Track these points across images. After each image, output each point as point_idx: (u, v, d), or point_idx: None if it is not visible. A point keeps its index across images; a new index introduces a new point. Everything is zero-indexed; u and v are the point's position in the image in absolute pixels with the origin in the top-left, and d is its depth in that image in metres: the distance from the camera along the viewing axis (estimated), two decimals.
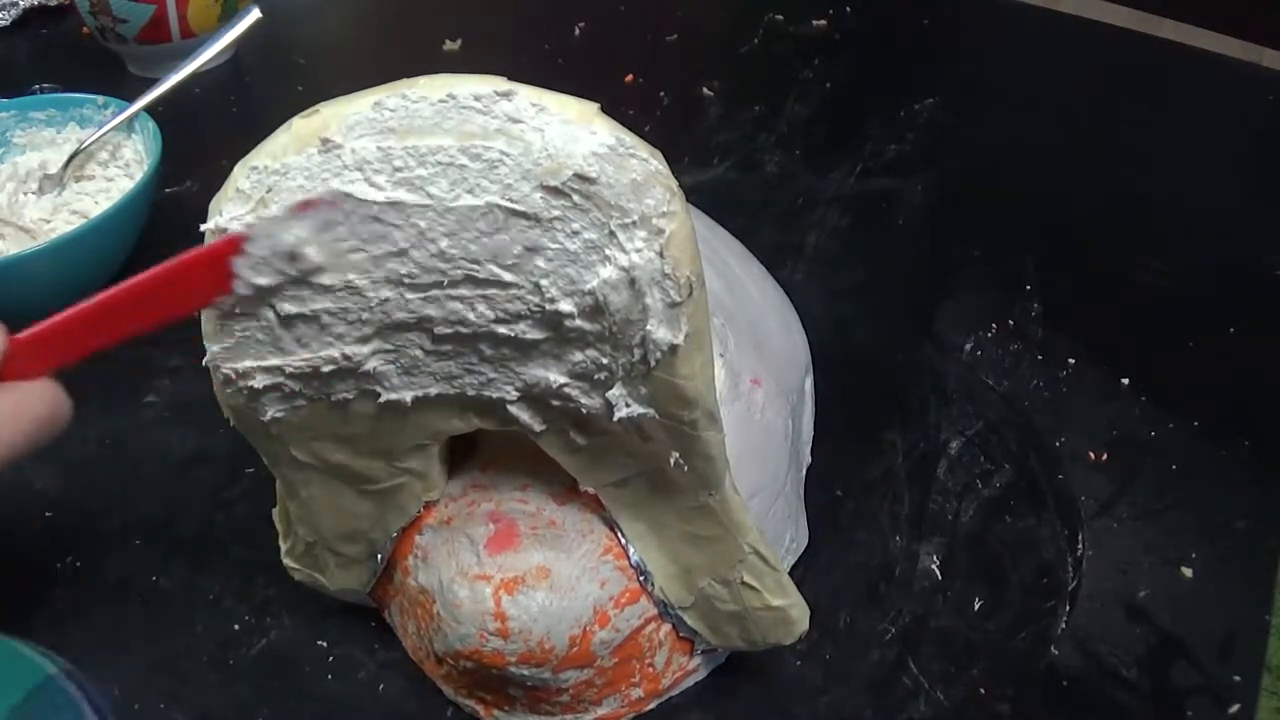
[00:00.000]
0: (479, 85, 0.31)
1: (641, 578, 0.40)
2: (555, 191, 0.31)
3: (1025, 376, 0.60)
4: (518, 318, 0.33)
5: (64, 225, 0.65)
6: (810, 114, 0.84)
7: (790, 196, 0.75)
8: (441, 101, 0.31)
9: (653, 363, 0.33)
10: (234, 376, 0.34)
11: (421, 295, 0.33)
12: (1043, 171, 0.77)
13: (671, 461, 0.36)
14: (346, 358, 0.34)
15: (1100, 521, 0.52)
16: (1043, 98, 0.85)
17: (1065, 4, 1.00)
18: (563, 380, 0.34)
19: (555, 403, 0.35)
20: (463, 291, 0.33)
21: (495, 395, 0.36)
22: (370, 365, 0.34)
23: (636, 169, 0.31)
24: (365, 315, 0.33)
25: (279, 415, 0.36)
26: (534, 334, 0.33)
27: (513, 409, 0.36)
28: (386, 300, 0.33)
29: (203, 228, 0.32)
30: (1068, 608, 0.48)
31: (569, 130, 0.30)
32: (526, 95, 0.31)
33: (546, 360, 0.34)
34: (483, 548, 0.40)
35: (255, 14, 0.71)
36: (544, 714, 0.42)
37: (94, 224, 0.60)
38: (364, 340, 0.34)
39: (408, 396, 0.36)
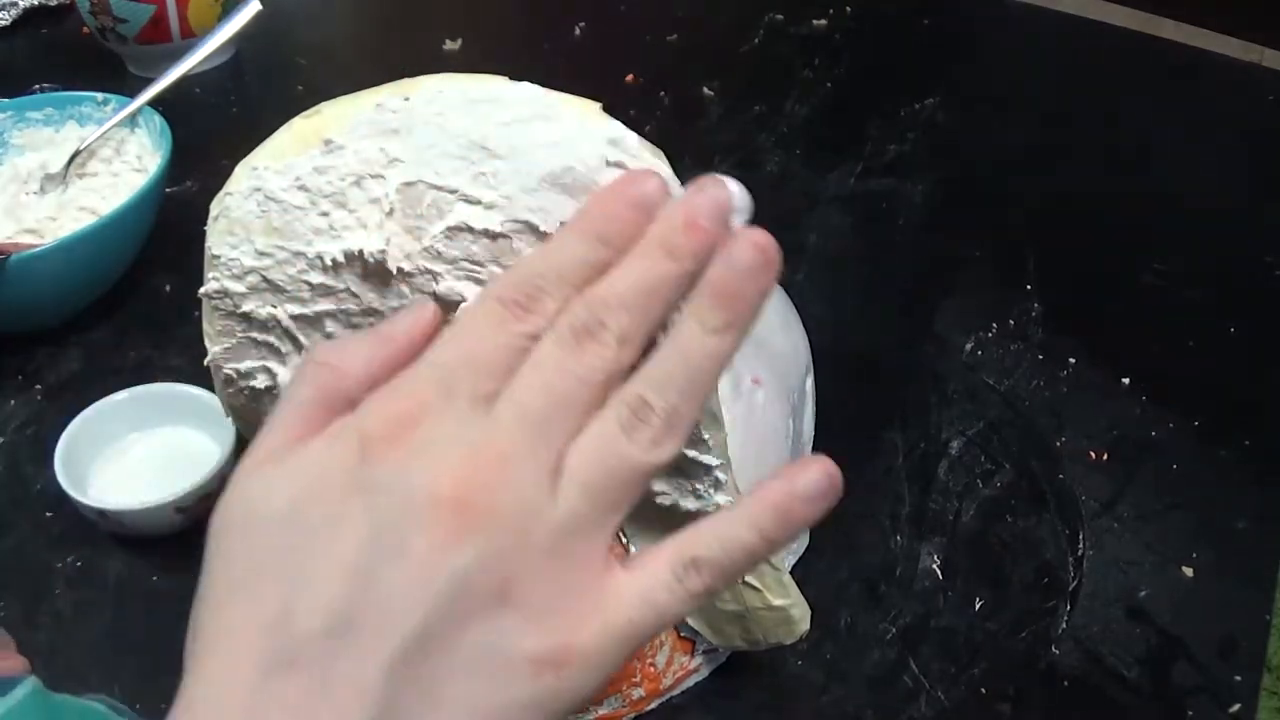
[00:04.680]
0: (482, 86, 0.31)
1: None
2: (558, 192, 0.31)
3: (1025, 376, 0.60)
4: None
5: (72, 223, 0.64)
6: (810, 114, 0.84)
7: (790, 196, 0.75)
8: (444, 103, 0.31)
9: None
10: (235, 376, 0.34)
11: (422, 294, 0.33)
12: (1043, 171, 0.77)
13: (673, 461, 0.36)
14: None
15: (1101, 521, 0.52)
16: (1043, 97, 0.86)
17: (1065, 4, 1.00)
18: None
19: None
20: (465, 292, 0.32)
21: None
22: None
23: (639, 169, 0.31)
24: (369, 319, 0.33)
25: None
26: None
27: None
28: (388, 301, 0.33)
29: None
30: (1068, 607, 0.48)
31: (572, 130, 0.30)
32: (530, 94, 0.31)
33: None
34: None
35: (255, 4, 0.71)
36: None
37: (110, 218, 0.60)
38: None
39: None
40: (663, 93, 0.87)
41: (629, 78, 0.89)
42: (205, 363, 0.35)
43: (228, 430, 0.50)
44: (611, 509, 0.26)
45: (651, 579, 0.26)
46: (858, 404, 0.57)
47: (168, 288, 0.67)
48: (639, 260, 0.26)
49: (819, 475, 0.27)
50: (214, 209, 0.32)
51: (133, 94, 0.68)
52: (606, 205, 0.27)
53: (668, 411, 0.26)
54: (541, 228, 0.31)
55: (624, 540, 0.40)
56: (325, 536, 0.24)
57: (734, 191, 0.28)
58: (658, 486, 0.37)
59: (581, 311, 0.26)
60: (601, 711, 0.42)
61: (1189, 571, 0.50)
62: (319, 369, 0.27)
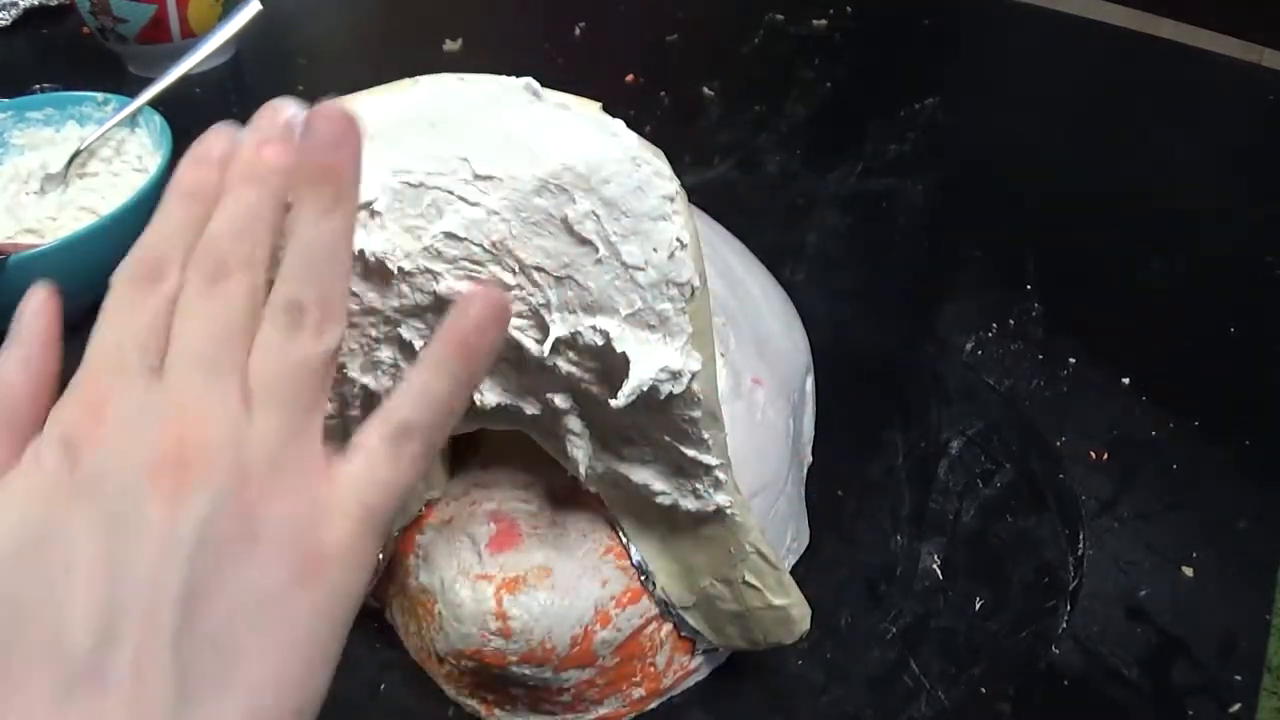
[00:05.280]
0: (482, 86, 0.31)
1: (643, 577, 0.40)
2: (557, 191, 0.31)
3: (1026, 376, 0.60)
4: (520, 318, 0.33)
5: (72, 223, 0.64)
6: (810, 114, 0.84)
7: (790, 196, 0.75)
8: (444, 102, 0.31)
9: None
10: None
11: (423, 294, 0.33)
12: (1043, 171, 0.77)
13: (673, 460, 0.36)
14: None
15: (1101, 521, 0.52)
16: (1043, 98, 0.86)
17: (1065, 4, 1.00)
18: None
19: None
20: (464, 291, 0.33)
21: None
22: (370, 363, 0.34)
23: (640, 170, 0.31)
24: (369, 318, 0.33)
25: None
26: (536, 334, 0.33)
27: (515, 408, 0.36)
28: (388, 300, 0.33)
29: None
30: (1068, 607, 0.48)
31: (571, 130, 0.31)
32: (530, 94, 0.31)
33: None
34: (484, 547, 0.40)
35: (255, 5, 0.72)
36: (545, 713, 0.42)
37: (110, 218, 0.60)
38: (366, 339, 0.34)
39: None
40: (663, 93, 0.87)
41: (629, 78, 0.89)
42: None
43: None
44: (309, 409, 0.27)
45: (369, 458, 0.27)
46: (858, 404, 0.57)
47: None
48: (231, 197, 0.28)
49: (483, 303, 0.28)
50: None
51: (133, 94, 0.68)
52: (186, 169, 0.29)
53: (319, 299, 0.27)
54: (540, 227, 0.31)
55: (624, 541, 0.40)
56: (62, 553, 0.24)
57: (294, 112, 0.29)
58: (657, 486, 0.37)
59: (204, 258, 0.27)
60: (602, 711, 0.43)
61: (1189, 571, 0.50)
62: None
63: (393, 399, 0.28)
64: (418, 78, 0.32)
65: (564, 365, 0.34)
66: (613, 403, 0.32)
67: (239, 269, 0.27)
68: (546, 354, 0.33)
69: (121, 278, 0.27)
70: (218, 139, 0.29)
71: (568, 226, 0.31)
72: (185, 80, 0.70)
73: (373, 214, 0.31)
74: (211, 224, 0.27)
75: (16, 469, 0.26)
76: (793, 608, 0.40)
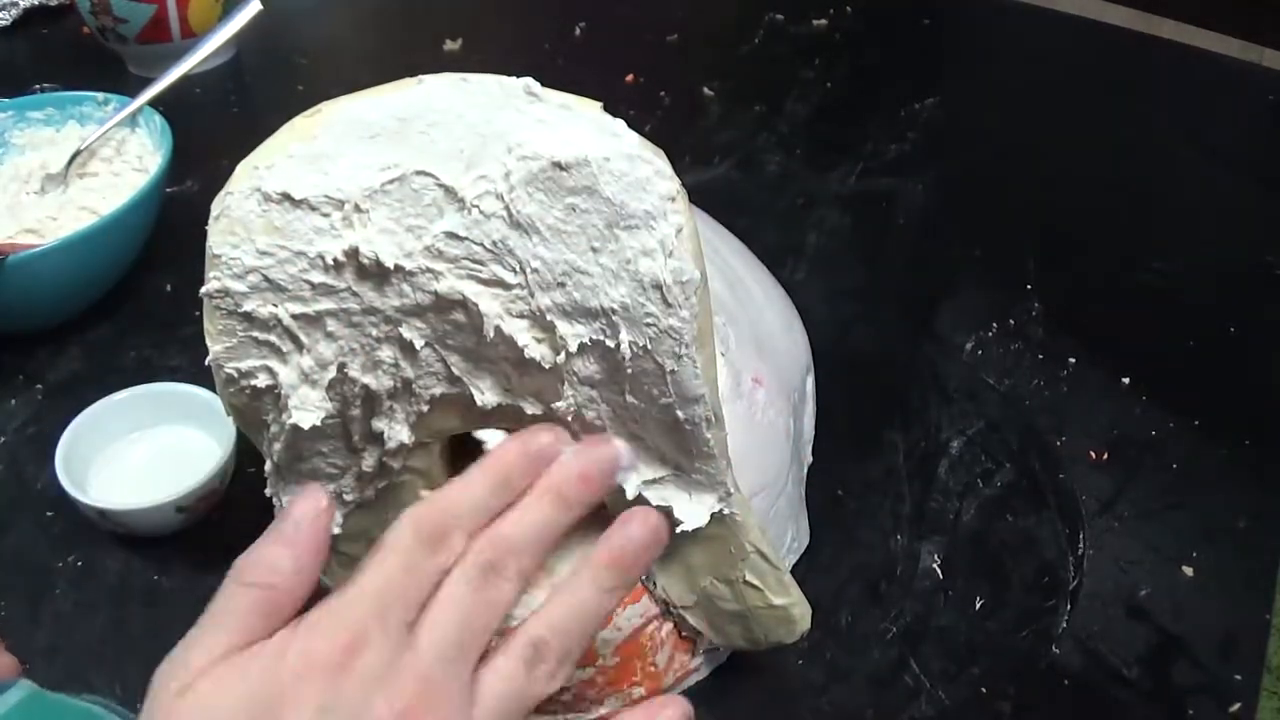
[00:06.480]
0: (481, 85, 0.31)
1: (643, 576, 0.40)
2: (558, 191, 0.31)
3: (1026, 376, 0.60)
4: (520, 318, 0.33)
5: (73, 223, 0.64)
6: (810, 114, 0.84)
7: (790, 196, 0.75)
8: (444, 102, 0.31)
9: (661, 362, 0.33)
10: (236, 376, 0.34)
11: (424, 293, 0.33)
12: (1043, 171, 0.77)
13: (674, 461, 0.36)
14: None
15: (1101, 521, 0.52)
16: (1043, 98, 0.86)
17: (1065, 4, 1.00)
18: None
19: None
20: (465, 291, 0.33)
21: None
22: (373, 362, 0.34)
23: (640, 169, 0.31)
24: (370, 317, 0.33)
25: None
26: (537, 334, 0.33)
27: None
28: (389, 300, 0.33)
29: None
30: (1069, 607, 0.48)
31: (572, 130, 0.31)
32: (530, 94, 0.31)
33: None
34: None
35: (255, 5, 0.72)
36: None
37: (110, 218, 0.60)
38: (366, 339, 0.34)
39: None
40: (663, 93, 0.87)
41: (629, 78, 0.89)
42: (206, 362, 0.35)
43: (228, 430, 0.50)
44: None
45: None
46: (858, 404, 0.57)
47: (168, 288, 0.67)
48: (536, 505, 0.32)
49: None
50: (215, 208, 0.32)
51: (133, 94, 0.68)
52: (509, 455, 0.32)
53: (564, 652, 0.31)
54: (541, 227, 0.31)
55: None
56: None
57: (621, 451, 0.33)
58: None
59: (488, 551, 0.31)
60: (602, 710, 0.43)
61: (1189, 571, 0.50)
62: (249, 588, 0.30)
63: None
64: (421, 76, 0.32)
65: (566, 366, 0.34)
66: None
67: (514, 576, 0.31)
68: (561, 361, 0.33)
69: (410, 530, 0.31)
70: (545, 437, 0.33)
71: (569, 226, 0.31)
72: (185, 80, 0.70)
73: (359, 210, 0.31)
74: (507, 522, 0.32)
75: (266, 648, 0.29)
76: (793, 607, 0.40)
